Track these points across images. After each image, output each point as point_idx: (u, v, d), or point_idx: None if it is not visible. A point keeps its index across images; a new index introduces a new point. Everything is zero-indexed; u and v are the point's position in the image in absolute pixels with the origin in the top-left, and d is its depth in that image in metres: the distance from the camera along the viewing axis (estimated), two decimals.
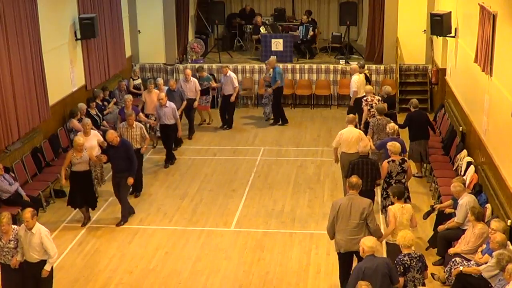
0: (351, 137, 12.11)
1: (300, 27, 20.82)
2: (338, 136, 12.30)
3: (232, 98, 17.07)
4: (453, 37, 15.40)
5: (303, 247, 11.12)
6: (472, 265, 9.15)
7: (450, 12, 15.40)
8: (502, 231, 8.82)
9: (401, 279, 8.13)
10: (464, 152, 12.77)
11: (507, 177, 10.26)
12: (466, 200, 10.08)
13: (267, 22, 21.63)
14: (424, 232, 11.20)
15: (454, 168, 12.91)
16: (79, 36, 15.95)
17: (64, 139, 14.73)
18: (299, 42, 20.38)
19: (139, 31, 20.00)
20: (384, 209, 10.95)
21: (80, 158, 11.62)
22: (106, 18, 17.42)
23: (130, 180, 11.86)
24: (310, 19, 21.05)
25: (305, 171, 14.52)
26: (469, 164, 12.10)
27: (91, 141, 12.64)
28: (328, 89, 19.25)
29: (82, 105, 15.19)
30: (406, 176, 11.11)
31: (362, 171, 10.85)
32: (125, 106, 14.59)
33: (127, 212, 12.15)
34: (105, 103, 16.66)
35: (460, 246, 9.72)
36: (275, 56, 17.84)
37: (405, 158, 11.31)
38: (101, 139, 12.99)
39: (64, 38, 15.47)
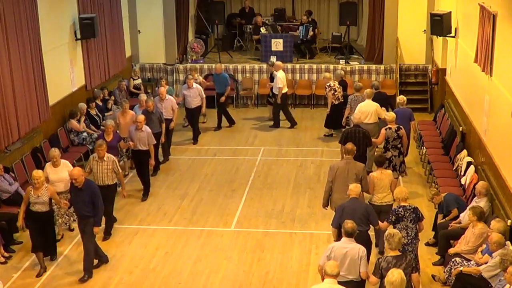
0: (368, 110, 13.80)
1: (300, 27, 20.82)
2: (358, 107, 14.02)
3: (203, 109, 16.43)
4: (453, 37, 15.40)
5: (303, 247, 11.13)
6: (472, 265, 9.15)
7: (450, 12, 15.40)
8: (498, 231, 8.81)
9: (386, 224, 9.28)
10: (464, 152, 12.76)
11: (507, 177, 10.25)
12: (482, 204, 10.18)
13: (267, 22, 21.63)
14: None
15: (454, 168, 12.91)
16: (79, 36, 15.95)
17: (64, 139, 14.72)
18: (299, 42, 20.38)
19: (139, 31, 20.00)
20: None
21: (37, 197, 9.83)
22: (106, 18, 17.43)
23: (96, 230, 10.07)
24: (310, 19, 21.05)
25: (305, 171, 14.52)
26: (469, 164, 12.10)
27: (60, 173, 10.86)
28: None
29: (83, 105, 15.21)
30: (401, 142, 12.35)
31: (355, 139, 12.09)
32: (105, 133, 12.76)
33: (91, 265, 10.25)
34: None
35: (460, 246, 9.72)
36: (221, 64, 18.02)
37: (400, 126, 12.47)
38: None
39: (64, 38, 15.48)
